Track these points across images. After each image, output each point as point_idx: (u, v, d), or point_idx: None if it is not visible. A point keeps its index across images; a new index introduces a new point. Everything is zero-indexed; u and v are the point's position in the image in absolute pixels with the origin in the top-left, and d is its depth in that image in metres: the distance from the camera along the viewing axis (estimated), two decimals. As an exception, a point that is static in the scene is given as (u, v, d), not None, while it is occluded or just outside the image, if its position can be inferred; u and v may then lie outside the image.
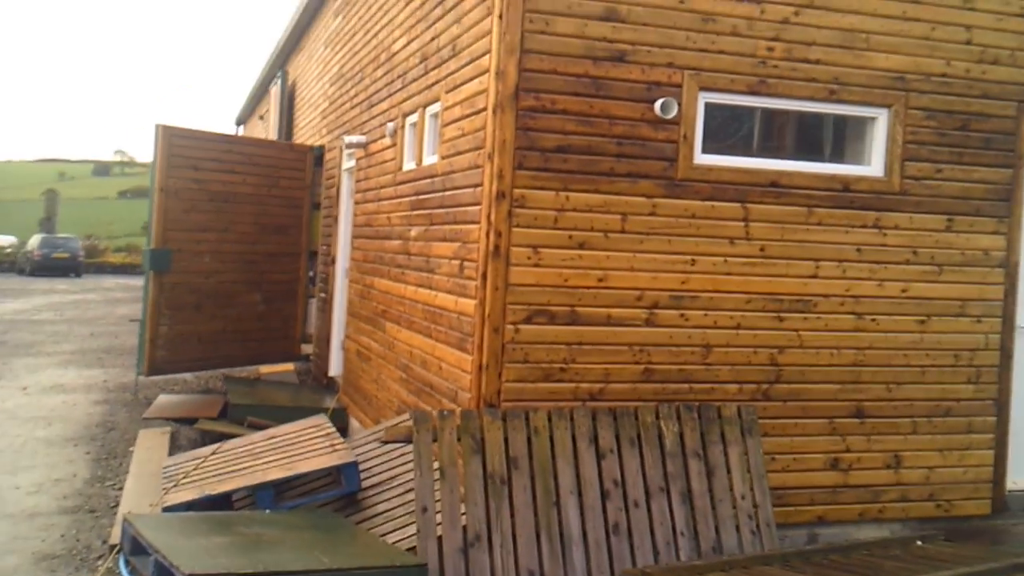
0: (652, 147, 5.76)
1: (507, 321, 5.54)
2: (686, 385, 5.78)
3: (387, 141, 8.44)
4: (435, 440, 5.30)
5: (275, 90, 17.36)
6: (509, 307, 5.55)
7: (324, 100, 12.41)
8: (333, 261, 10.77)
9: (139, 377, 10.79)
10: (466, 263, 5.90)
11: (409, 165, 7.78)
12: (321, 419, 7.09)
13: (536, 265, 5.60)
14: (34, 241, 39.33)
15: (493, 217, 5.56)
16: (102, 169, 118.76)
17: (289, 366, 11.17)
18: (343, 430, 9.16)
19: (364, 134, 9.50)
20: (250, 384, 10.42)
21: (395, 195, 8.03)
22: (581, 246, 5.65)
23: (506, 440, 5.33)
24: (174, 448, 8.24)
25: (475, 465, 5.24)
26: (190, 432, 8.89)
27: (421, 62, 7.45)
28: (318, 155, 12.03)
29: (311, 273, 12.14)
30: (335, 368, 10.41)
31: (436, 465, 5.19)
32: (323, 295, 11.15)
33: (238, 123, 27.64)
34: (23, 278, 36.43)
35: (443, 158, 6.64)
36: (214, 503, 6.01)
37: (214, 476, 6.25)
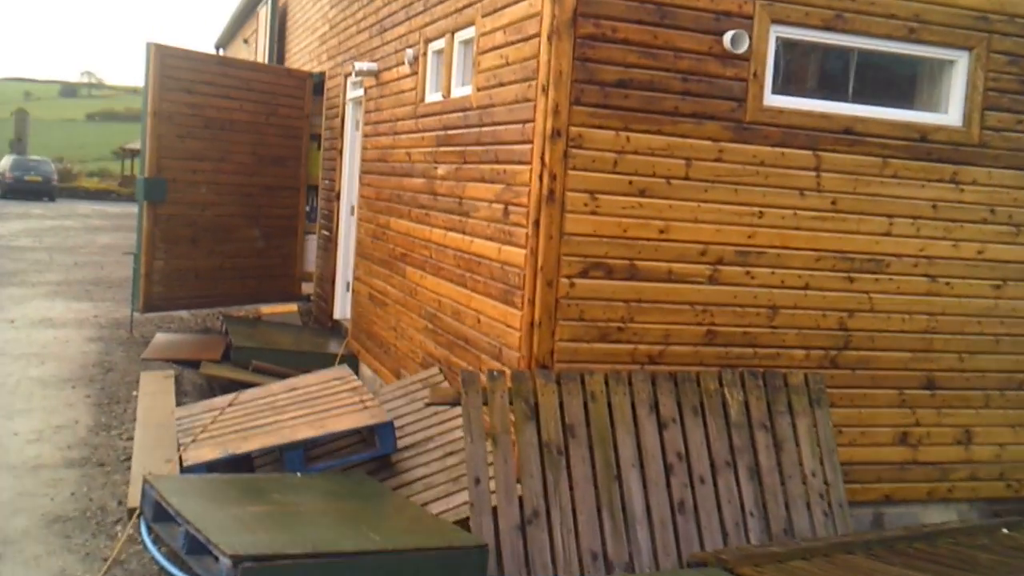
0: (719, 85, 5.14)
1: (561, 274, 4.98)
2: (750, 349, 5.26)
3: (405, 69, 7.73)
4: (485, 403, 4.77)
5: (264, 11, 16.36)
6: (564, 259, 4.98)
7: (324, 23, 11.56)
8: (337, 197, 10.08)
9: (134, 314, 10.12)
10: (512, 208, 5.30)
11: (433, 96, 7.10)
12: (344, 370, 6.52)
13: (593, 213, 5.01)
14: (5, 163, 37.74)
15: (547, 158, 4.95)
16: (69, 90, 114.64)
17: (292, 306, 10.54)
18: (353, 375, 8.62)
19: (375, 61, 8.75)
20: (251, 325, 9.81)
21: (416, 129, 7.35)
22: (642, 193, 5.06)
23: (561, 405, 4.82)
24: (179, 394, 7.65)
25: (529, 432, 4.73)
26: (194, 376, 8.29)
27: (449, -16, 6.72)
28: (317, 83, 11.22)
29: (308, 208, 11.45)
30: (340, 311, 9.81)
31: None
32: (326, 233, 10.48)
33: (218, 47, 26.32)
34: (-5, 202, 35.16)
35: (479, 90, 5.98)
36: (235, 462, 5.48)
37: (234, 432, 5.70)
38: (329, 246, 10.26)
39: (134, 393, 7.78)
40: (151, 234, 9.65)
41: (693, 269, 5.14)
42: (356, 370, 8.63)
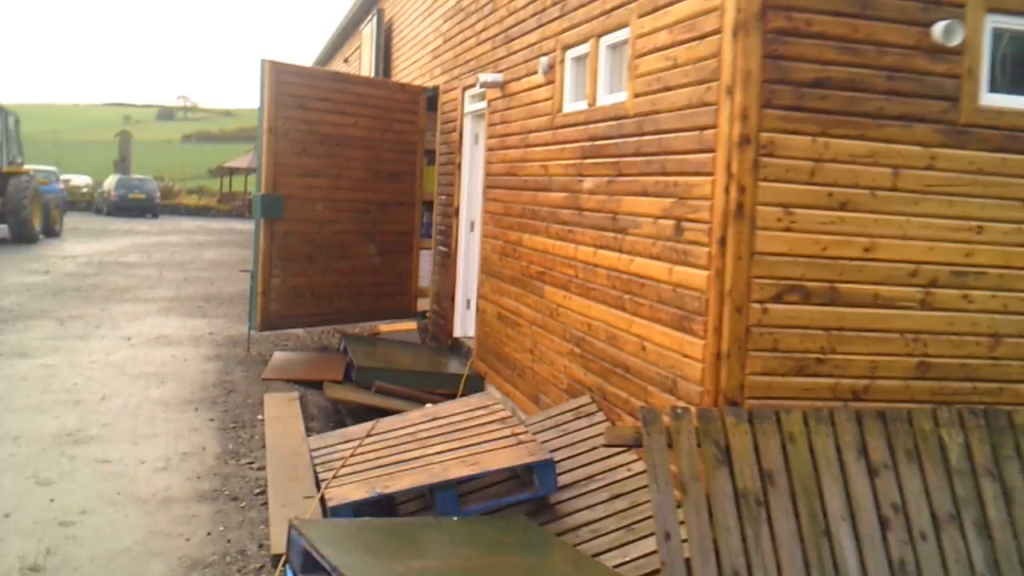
0: (929, 83, 4.40)
1: (752, 299, 4.29)
2: (969, 384, 4.48)
3: (538, 79, 7.13)
4: (669, 445, 4.11)
5: (368, 30, 16.03)
6: (755, 281, 4.29)
7: (436, 37, 11.07)
8: (456, 213, 9.54)
9: (251, 332, 9.71)
10: (687, 224, 4.63)
11: (575, 106, 6.48)
12: (488, 398, 5.92)
13: (788, 229, 4.31)
14: (110, 182, 38.52)
15: (735, 168, 4.27)
16: (166, 114, 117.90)
17: (411, 324, 10.02)
18: (478, 397, 8.03)
19: (500, 72, 8.18)
20: (370, 343, 9.31)
21: (553, 140, 6.74)
22: (843, 206, 4.35)
23: (756, 448, 4.12)
24: (305, 418, 7.16)
25: (722, 480, 4.04)
26: (318, 399, 7.81)
27: (594, -14, 6.11)
28: (431, 97, 10.72)
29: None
30: (461, 328, 9.25)
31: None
32: (443, 249, 9.94)
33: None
34: (101, 218, 35.74)
35: (636, 96, 5.34)
36: (380, 500, 4.91)
37: (378, 467, 5.13)
38: (447, 262, 9.71)
39: (259, 417, 7.32)
40: (268, 251, 9.24)
41: (902, 292, 4.39)
42: (483, 391, 8.05)
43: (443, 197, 10.16)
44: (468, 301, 9.25)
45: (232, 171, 45.29)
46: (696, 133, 4.61)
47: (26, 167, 23.95)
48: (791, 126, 4.29)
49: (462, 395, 7.91)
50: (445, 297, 9.73)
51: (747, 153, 4.27)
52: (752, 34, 4.26)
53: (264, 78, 9.17)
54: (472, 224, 9.25)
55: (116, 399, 7.85)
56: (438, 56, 10.92)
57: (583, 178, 6.12)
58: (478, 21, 9.07)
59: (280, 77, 9.26)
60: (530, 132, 7.26)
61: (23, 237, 22.33)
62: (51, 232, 24.40)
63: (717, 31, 4.44)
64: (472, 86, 9.18)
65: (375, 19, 15.33)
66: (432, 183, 10.76)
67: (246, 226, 33.91)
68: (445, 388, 8.10)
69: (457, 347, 9.23)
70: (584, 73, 6.41)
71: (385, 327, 9.97)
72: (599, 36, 6.05)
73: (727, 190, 4.30)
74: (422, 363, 8.67)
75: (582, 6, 6.33)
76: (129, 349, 9.97)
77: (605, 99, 5.99)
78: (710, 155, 4.45)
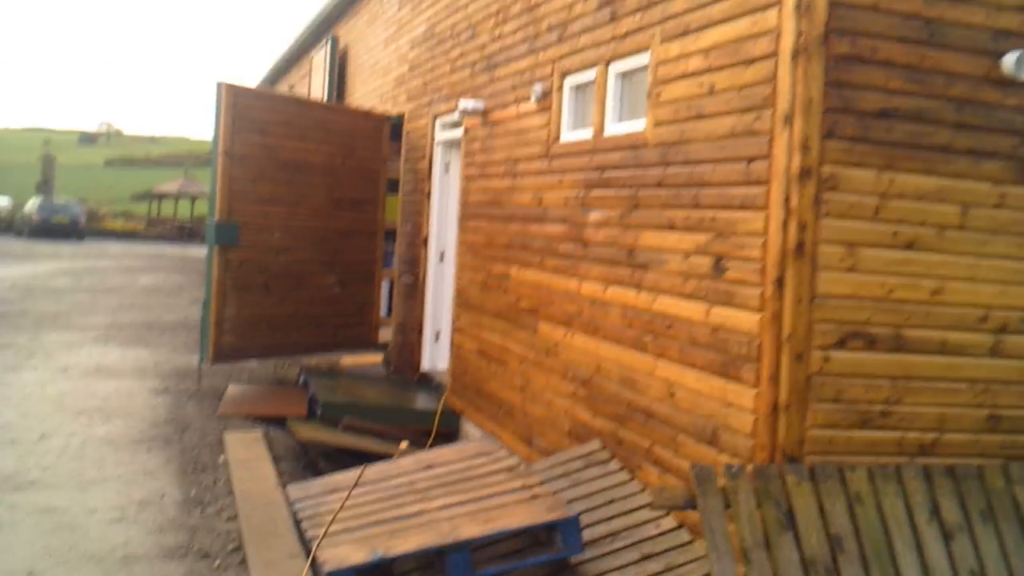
0: (999, 116, 4.02)
1: (814, 345, 3.79)
2: (1040, 437, 4.07)
3: (529, 106, 6.60)
4: (727, 507, 3.56)
5: (319, 57, 15.31)
6: (817, 326, 3.79)
7: (401, 64, 10.46)
8: (425, 243, 8.91)
9: (202, 364, 8.86)
10: (731, 262, 4.12)
11: (575, 134, 5.96)
12: (489, 444, 5.28)
13: (851, 270, 3.84)
14: (32, 204, 36.56)
15: (794, 203, 3.79)
16: (88, 139, 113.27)
17: (376, 356, 9.30)
18: (452, 436, 7.40)
19: (480, 99, 7.63)
20: (331, 377, 8.56)
21: (549, 170, 6.21)
22: (909, 246, 3.90)
23: (821, 510, 3.61)
24: (273, 459, 6.40)
25: (787, 547, 3.51)
26: (283, 436, 7.05)
27: (602, 6, 5.63)
28: (395, 125, 10.09)
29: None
30: (430, 362, 8.59)
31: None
32: (409, 280, 9.27)
33: (257, 94, 25.35)
34: (23, 241, 33.77)
35: (659, 124, 4.84)
36: (380, 562, 4.22)
37: (375, 523, 4.45)
38: (414, 293, 9.05)
39: (221, 458, 6.52)
40: (222, 280, 8.42)
41: (971, 339, 3.96)
42: (458, 428, 7.40)
43: (409, 226, 9.51)
44: (437, 334, 8.60)
45: (161, 196, 43.59)
46: (741, 164, 4.11)
47: None
48: (855, 159, 3.84)
49: (437, 432, 7.26)
50: (411, 329, 9.05)
51: (808, 187, 3.79)
52: (814, 59, 3.80)
53: (220, 101, 8.43)
54: (442, 255, 8.64)
55: (56, 438, 6.92)
56: (402, 84, 10.31)
57: (588, 209, 5.59)
58: (453, 48, 8.52)
59: (237, 100, 8.54)
60: (519, 161, 6.71)
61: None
62: None
63: (770, 55, 3.97)
64: (444, 113, 8.62)
65: (328, 45, 14.64)
66: (394, 212, 10.10)
67: (176, 251, 32.45)
68: (417, 424, 7.43)
69: (426, 381, 8.55)
70: (586, 100, 5.91)
71: (349, 359, 9.22)
72: (608, 62, 5.56)
73: (785, 226, 3.81)
74: (391, 398, 7.98)
75: (587, 31, 5.84)
76: (66, 381, 8.97)
77: (615, 128, 5.48)
78: (760, 188, 3.96)
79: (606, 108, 5.59)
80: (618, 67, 5.50)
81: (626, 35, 5.31)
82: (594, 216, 5.50)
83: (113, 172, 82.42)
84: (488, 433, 6.74)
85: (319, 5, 14.67)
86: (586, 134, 5.81)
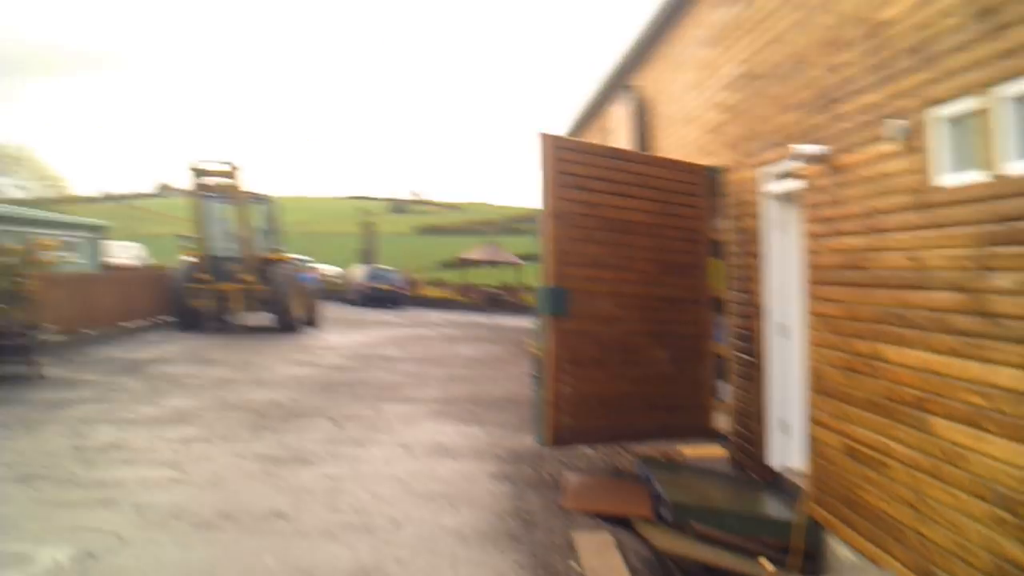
0: None
1: None
2: None
3: (886, 147, 5.62)
4: None
5: (620, 111, 15.02)
6: None
7: (711, 110, 9.76)
8: (758, 313, 8.04)
9: (539, 447, 8.50)
10: None
11: (959, 178, 4.92)
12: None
13: None
14: (362, 272, 39.97)
15: None
16: (398, 207, 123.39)
17: (716, 449, 8.51)
18: (814, 554, 6.41)
19: (818, 143, 6.72)
20: (673, 471, 7.89)
21: (924, 223, 5.19)
22: None
23: None
24: (632, 572, 5.85)
25: None
26: (632, 542, 6.46)
27: (981, 17, 4.58)
28: (712, 178, 9.34)
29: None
30: (780, 458, 7.66)
31: None
32: (744, 357, 8.41)
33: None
34: (353, 308, 36.82)
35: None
36: None
37: None
38: (752, 374, 8.17)
39: (570, 562, 6.08)
40: (558, 355, 8.00)
41: None
42: (822, 545, 6.41)
43: (739, 294, 8.68)
44: (784, 424, 7.66)
45: (468, 263, 45.95)
46: None
47: (287, 255, 24.55)
48: None
49: (804, 550, 6.32)
50: (750, 416, 8.17)
51: None
52: None
53: (544, 153, 8.01)
54: (785, 328, 7.72)
55: (409, 526, 6.87)
56: (715, 131, 9.59)
57: (990, 272, 4.51)
58: (776, 86, 7.69)
59: (559, 154, 8.13)
60: (880, 213, 5.73)
61: (286, 325, 22.81)
62: (310, 321, 24.80)
63: None
64: (772, 162, 7.78)
65: (629, 97, 14.31)
66: (717, 277, 9.32)
67: (487, 320, 33.76)
68: (772, 536, 6.54)
69: (774, 481, 7.61)
70: (969, 135, 4.85)
71: (689, 451, 8.49)
72: (995, 83, 4.51)
73: None
74: (740, 502, 7.15)
75: (956, 51, 4.82)
76: (410, 460, 9.13)
77: (1020, 166, 4.40)
78: None
79: (1000, 142, 4.52)
80: (1011, 89, 4.43)
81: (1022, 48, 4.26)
82: (1002, 280, 4.42)
83: (422, 239, 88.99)
84: (867, 558, 5.69)
85: (615, 56, 14.43)
86: (975, 176, 4.75)
